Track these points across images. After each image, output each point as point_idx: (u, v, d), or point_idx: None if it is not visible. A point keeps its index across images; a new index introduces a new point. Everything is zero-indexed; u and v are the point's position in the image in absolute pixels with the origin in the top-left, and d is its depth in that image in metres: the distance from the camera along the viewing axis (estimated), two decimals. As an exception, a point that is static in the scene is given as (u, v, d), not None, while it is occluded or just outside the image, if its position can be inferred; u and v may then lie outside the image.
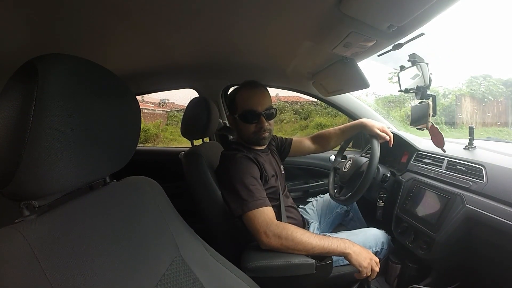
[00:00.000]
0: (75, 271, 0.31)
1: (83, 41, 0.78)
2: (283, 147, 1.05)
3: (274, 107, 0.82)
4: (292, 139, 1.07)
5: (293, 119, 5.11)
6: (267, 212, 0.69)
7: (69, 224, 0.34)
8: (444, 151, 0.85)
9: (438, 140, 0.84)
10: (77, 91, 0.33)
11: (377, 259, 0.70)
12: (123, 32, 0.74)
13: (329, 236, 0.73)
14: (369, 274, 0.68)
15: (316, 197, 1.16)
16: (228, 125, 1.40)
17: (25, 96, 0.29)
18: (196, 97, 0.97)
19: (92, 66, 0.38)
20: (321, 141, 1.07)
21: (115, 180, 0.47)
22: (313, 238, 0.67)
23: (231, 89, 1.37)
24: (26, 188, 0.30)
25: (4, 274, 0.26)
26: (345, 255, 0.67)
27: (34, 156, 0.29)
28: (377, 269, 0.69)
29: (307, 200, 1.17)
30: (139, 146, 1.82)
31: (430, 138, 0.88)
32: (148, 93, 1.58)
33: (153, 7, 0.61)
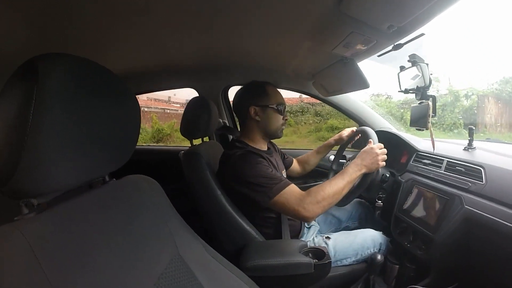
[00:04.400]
0: (74, 269, 0.31)
1: (83, 41, 0.78)
2: (284, 161, 1.08)
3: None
4: (293, 159, 1.15)
5: (311, 121, 5.14)
6: (293, 189, 0.71)
7: (68, 222, 0.34)
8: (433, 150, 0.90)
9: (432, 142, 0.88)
10: (77, 90, 0.34)
11: (374, 148, 0.77)
12: (123, 32, 0.74)
13: (340, 175, 0.74)
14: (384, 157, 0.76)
15: None
16: (227, 124, 1.40)
17: (25, 95, 0.29)
18: (195, 97, 0.97)
19: (92, 65, 0.38)
20: (302, 164, 1.17)
21: (114, 179, 0.47)
22: (338, 182, 0.71)
23: (236, 87, 1.37)
24: (25, 186, 0.30)
25: (3, 272, 0.26)
26: (362, 173, 0.74)
27: (33, 154, 0.29)
28: (380, 152, 0.77)
29: None
30: (138, 145, 1.82)
31: (429, 138, 0.89)
32: (148, 92, 1.58)
33: (154, 7, 0.61)
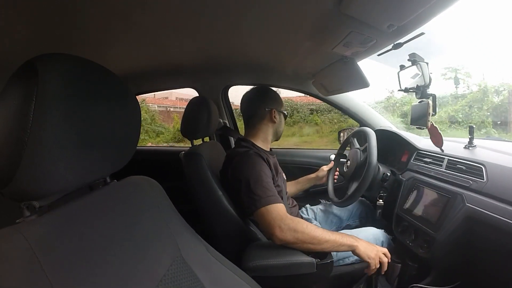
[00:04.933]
0: (76, 272, 0.31)
1: (83, 41, 0.78)
2: None
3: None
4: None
5: (335, 120, 4.99)
6: (281, 207, 0.70)
7: (70, 224, 0.34)
8: (442, 150, 0.86)
9: (437, 140, 0.85)
10: (77, 91, 0.33)
11: (385, 250, 0.72)
12: (123, 32, 0.74)
13: (333, 232, 0.72)
14: (377, 265, 0.70)
15: (315, 208, 1.16)
16: (228, 125, 1.40)
17: (25, 96, 0.28)
18: (196, 97, 0.97)
19: (92, 66, 0.38)
20: None
21: (115, 180, 0.47)
22: (326, 232, 0.68)
23: (236, 87, 1.39)
24: (26, 188, 0.30)
25: (5, 275, 0.26)
26: (354, 248, 0.69)
27: (34, 156, 0.29)
28: (385, 259, 0.71)
29: (305, 206, 1.17)
30: (140, 146, 1.82)
31: (430, 137, 0.88)
32: (148, 92, 1.58)
33: (154, 7, 0.60)
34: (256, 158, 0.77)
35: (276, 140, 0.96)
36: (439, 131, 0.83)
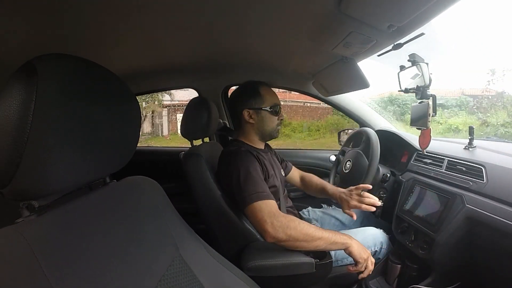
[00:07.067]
0: (75, 271, 0.31)
1: (83, 41, 0.78)
2: (282, 164, 1.05)
3: None
4: (292, 166, 1.09)
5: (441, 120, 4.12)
6: (272, 204, 0.68)
7: (69, 224, 0.34)
8: (423, 152, 0.88)
9: (424, 141, 0.86)
10: (77, 91, 0.34)
11: (373, 260, 0.72)
12: (123, 32, 0.74)
13: (326, 230, 0.71)
14: (365, 269, 0.69)
15: (317, 210, 1.14)
16: (228, 125, 1.40)
17: (25, 96, 0.29)
18: (196, 97, 0.97)
19: (92, 66, 0.38)
20: (304, 183, 1.08)
21: (115, 180, 0.47)
22: (318, 230, 0.67)
23: (234, 87, 1.37)
24: (26, 188, 0.30)
25: (4, 274, 0.26)
26: (347, 247, 0.68)
27: (34, 156, 0.29)
28: (371, 267, 0.70)
29: (307, 208, 1.16)
30: (139, 146, 1.82)
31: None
32: (148, 93, 1.58)
33: (153, 7, 0.61)
34: (245, 154, 0.76)
35: (268, 139, 0.89)
36: (430, 135, 0.84)
